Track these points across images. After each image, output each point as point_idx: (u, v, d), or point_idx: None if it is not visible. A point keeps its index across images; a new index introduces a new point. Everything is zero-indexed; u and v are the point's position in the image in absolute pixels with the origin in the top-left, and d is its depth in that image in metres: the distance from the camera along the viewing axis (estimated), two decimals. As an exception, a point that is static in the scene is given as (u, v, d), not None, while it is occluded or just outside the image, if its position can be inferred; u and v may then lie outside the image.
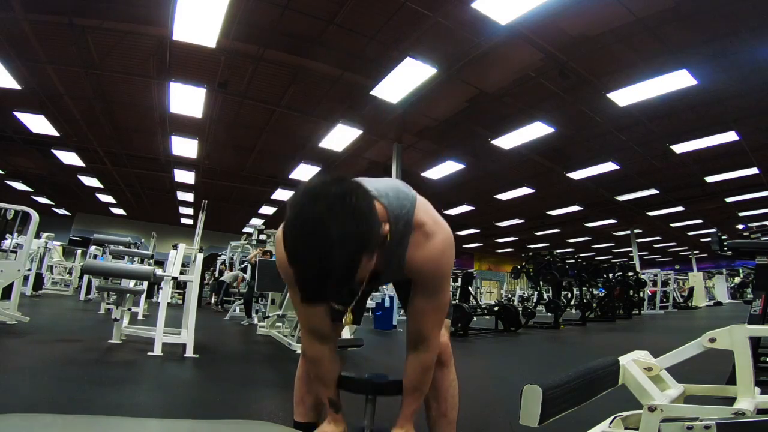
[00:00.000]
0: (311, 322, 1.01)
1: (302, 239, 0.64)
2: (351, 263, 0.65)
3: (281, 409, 1.90)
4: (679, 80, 6.03)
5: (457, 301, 6.97)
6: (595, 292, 10.23)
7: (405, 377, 1.01)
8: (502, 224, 16.22)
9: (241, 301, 7.56)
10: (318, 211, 0.63)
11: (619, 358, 0.89)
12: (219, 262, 11.16)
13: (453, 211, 13.78)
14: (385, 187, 0.89)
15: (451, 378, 1.12)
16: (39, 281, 8.55)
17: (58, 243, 11.11)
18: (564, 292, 8.41)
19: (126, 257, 5.40)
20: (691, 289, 13.70)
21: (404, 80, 6.26)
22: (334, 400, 1.02)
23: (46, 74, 6.98)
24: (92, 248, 8.87)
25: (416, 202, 0.90)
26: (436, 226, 0.90)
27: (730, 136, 7.89)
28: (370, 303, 7.84)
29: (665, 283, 12.16)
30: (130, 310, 4.41)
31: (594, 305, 9.29)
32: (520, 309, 7.50)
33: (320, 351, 1.02)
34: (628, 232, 16.23)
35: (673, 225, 16.03)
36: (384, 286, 7.59)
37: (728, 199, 12.12)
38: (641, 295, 10.86)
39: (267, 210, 14.57)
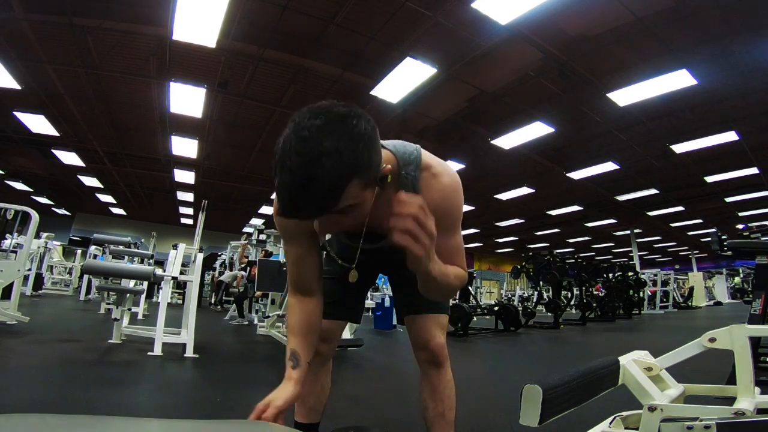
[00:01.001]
0: (300, 275, 0.98)
1: (293, 147, 0.61)
2: (339, 177, 0.61)
3: (281, 409, 1.90)
4: (679, 80, 6.04)
5: (457, 301, 6.97)
6: (595, 292, 10.23)
7: None
8: (502, 224, 16.22)
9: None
10: (315, 124, 0.61)
11: (619, 358, 0.89)
12: (218, 263, 11.15)
13: (453, 211, 13.76)
14: (388, 141, 0.91)
15: (447, 378, 1.12)
16: (39, 281, 8.55)
17: (58, 243, 11.11)
18: (564, 292, 8.41)
19: (126, 257, 5.40)
20: (691, 289, 13.70)
21: (404, 80, 6.26)
22: (295, 352, 0.91)
23: (46, 74, 6.98)
24: (92, 248, 8.87)
25: (421, 150, 0.91)
26: (443, 168, 0.90)
27: (730, 136, 7.90)
28: (370, 303, 7.85)
29: (665, 283, 12.16)
30: (130, 310, 4.41)
31: (594, 305, 9.29)
32: (520, 309, 7.50)
33: (301, 302, 0.97)
34: (628, 232, 16.24)
35: (673, 225, 16.04)
36: (384, 287, 7.59)
37: (728, 199, 12.13)
38: (641, 295, 10.86)
39: (267, 210, 14.57)
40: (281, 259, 5.11)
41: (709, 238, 2.99)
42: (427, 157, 0.90)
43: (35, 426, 0.27)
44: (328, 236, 1.25)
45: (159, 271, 3.62)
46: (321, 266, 1.00)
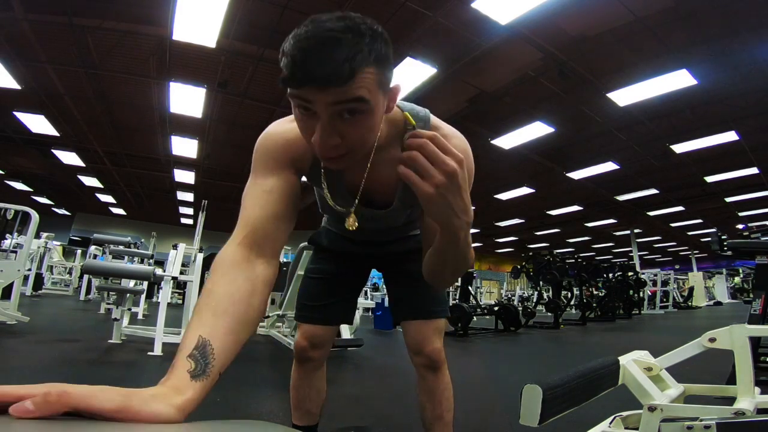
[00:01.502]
0: (265, 217, 0.70)
1: (313, 26, 0.56)
2: (360, 51, 0.55)
3: (281, 409, 1.90)
4: (679, 80, 6.04)
5: (456, 300, 6.98)
6: (595, 292, 10.23)
7: None
8: (502, 224, 16.23)
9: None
10: (336, 15, 0.57)
11: (619, 358, 0.89)
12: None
13: (453, 211, 13.77)
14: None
15: (445, 381, 1.11)
16: (39, 281, 8.55)
17: (58, 243, 11.10)
18: (564, 292, 8.41)
19: (126, 257, 5.40)
20: (691, 289, 13.70)
21: (404, 80, 6.26)
22: (208, 347, 0.48)
23: (46, 74, 6.98)
24: (92, 248, 8.87)
25: (430, 113, 0.87)
26: (453, 130, 0.85)
27: (730, 136, 7.90)
28: (369, 303, 7.84)
29: (665, 283, 12.16)
30: (130, 310, 4.41)
31: (594, 305, 9.29)
32: (520, 309, 7.50)
33: (248, 263, 0.63)
34: (628, 232, 16.24)
35: (673, 225, 16.04)
36: (384, 286, 7.58)
37: (728, 199, 12.13)
38: (641, 294, 10.87)
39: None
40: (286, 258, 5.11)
41: (709, 238, 2.99)
42: (436, 119, 0.86)
43: (35, 427, 0.27)
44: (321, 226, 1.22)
45: (159, 271, 3.62)
46: (292, 222, 0.74)
